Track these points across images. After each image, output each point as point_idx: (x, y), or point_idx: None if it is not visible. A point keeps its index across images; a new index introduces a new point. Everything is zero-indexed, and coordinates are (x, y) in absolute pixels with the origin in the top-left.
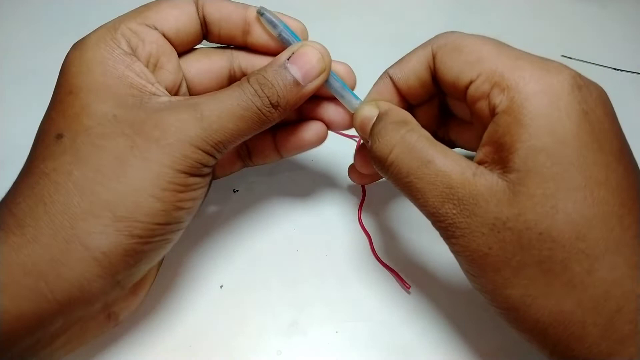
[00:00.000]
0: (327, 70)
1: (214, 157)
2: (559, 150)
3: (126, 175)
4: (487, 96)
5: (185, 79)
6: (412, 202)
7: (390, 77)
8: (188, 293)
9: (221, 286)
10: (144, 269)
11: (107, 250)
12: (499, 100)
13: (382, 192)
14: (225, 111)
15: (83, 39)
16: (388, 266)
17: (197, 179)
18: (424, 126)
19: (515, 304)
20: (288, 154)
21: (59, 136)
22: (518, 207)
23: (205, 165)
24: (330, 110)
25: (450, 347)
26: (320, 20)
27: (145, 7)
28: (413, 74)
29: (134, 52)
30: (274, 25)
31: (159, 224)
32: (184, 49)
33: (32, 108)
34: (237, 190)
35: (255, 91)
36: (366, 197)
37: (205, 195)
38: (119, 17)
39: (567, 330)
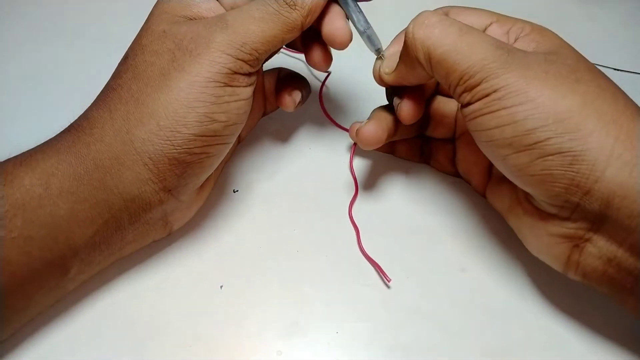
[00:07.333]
0: None
1: (245, 62)
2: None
3: (167, 87)
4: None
5: None
6: (453, 65)
7: None
8: (188, 293)
9: (221, 286)
10: (192, 181)
11: (154, 157)
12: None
13: (374, 190)
14: (246, 15)
15: None
16: (371, 258)
17: (228, 90)
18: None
19: (573, 107)
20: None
21: (126, 57)
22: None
23: (236, 72)
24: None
25: (450, 347)
26: None
27: None
28: None
29: None
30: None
31: (195, 134)
32: None
33: (31, 107)
34: (237, 191)
35: None
36: (358, 195)
37: (255, 119)
38: None
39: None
